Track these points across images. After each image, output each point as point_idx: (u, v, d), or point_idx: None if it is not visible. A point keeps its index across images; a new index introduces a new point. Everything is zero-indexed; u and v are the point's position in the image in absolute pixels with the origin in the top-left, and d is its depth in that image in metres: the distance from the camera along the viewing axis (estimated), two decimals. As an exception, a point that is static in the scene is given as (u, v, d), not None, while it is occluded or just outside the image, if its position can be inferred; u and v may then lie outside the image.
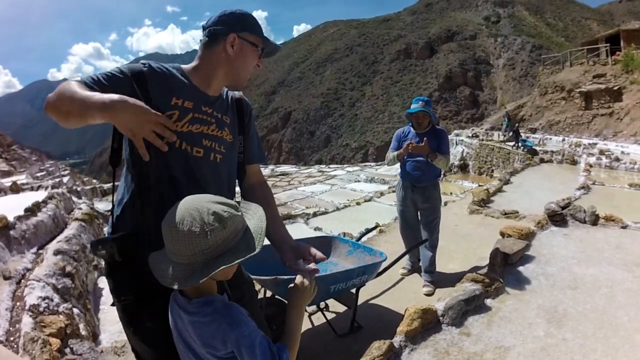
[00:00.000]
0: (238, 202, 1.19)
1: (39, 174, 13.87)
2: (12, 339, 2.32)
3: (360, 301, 2.95)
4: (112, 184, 1.41)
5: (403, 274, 3.94)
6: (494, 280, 2.71)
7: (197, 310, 1.04)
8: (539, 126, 19.18)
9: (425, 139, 3.39)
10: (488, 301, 2.58)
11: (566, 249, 3.46)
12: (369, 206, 8.18)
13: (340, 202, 8.86)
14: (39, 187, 8.27)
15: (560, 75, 20.56)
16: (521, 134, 14.65)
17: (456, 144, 19.22)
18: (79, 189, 10.82)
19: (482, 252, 4.01)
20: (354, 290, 2.78)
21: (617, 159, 10.06)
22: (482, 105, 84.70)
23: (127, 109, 1.06)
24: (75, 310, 2.96)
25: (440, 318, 2.35)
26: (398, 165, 3.74)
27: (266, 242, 1.12)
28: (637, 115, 14.71)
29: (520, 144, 13.56)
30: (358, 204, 8.37)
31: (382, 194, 9.27)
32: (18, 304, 2.71)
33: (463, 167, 17.30)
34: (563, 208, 4.14)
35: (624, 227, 3.95)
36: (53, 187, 8.33)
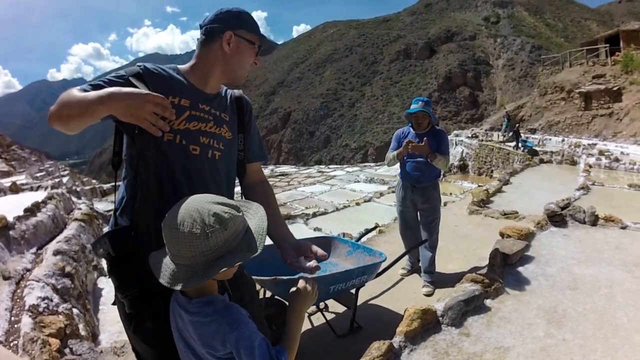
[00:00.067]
0: (239, 201, 1.19)
1: (38, 174, 13.86)
2: (11, 339, 2.32)
3: (359, 301, 2.95)
4: (113, 184, 1.41)
5: (403, 275, 3.94)
6: (494, 280, 2.71)
7: (197, 310, 1.04)
8: (539, 127, 19.18)
9: (425, 139, 3.40)
10: (488, 302, 2.58)
11: (566, 249, 3.46)
12: (369, 206, 8.18)
13: (340, 202, 8.86)
14: (38, 188, 8.26)
15: (559, 76, 20.57)
16: (521, 134, 14.66)
17: (456, 145, 19.23)
18: (78, 189, 10.81)
19: (481, 252, 4.01)
20: (353, 291, 2.78)
21: (617, 160, 10.07)
22: (481, 105, 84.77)
23: (124, 96, 1.10)
24: (75, 311, 2.96)
25: (440, 318, 2.35)
26: (398, 165, 3.74)
27: (267, 241, 1.12)
28: (636, 116, 14.72)
29: (520, 145, 13.56)
30: (358, 204, 8.37)
31: (381, 194, 9.27)
32: (17, 304, 2.71)
33: (462, 168, 17.31)
34: (562, 208, 4.14)
35: (624, 227, 3.95)
36: (52, 187, 8.33)
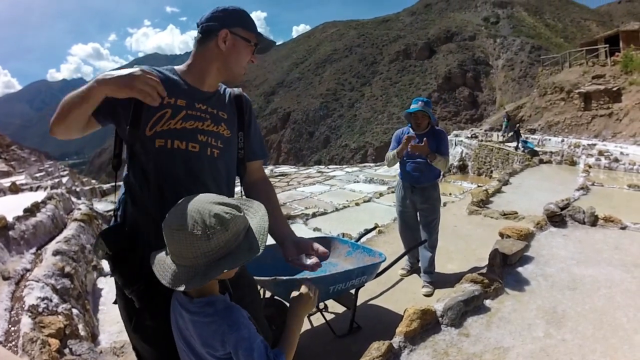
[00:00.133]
0: (239, 200, 1.19)
1: (38, 175, 13.83)
2: (11, 339, 2.31)
3: (359, 302, 2.95)
4: (113, 185, 1.43)
5: (402, 275, 3.94)
6: (493, 281, 2.71)
7: (198, 310, 1.04)
8: (538, 127, 19.19)
9: (425, 139, 3.40)
10: (487, 302, 2.58)
11: (565, 249, 3.46)
12: (368, 207, 8.18)
13: (340, 202, 8.86)
14: (38, 188, 8.26)
15: (559, 76, 20.58)
16: (522, 134, 14.65)
17: (455, 145, 19.23)
18: (78, 189, 10.79)
19: (481, 252, 4.01)
20: (353, 291, 2.78)
21: (616, 160, 10.07)
22: (481, 106, 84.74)
23: (115, 75, 1.15)
24: (75, 311, 2.96)
25: (440, 319, 2.35)
26: (397, 166, 3.74)
27: (268, 240, 1.12)
28: (636, 116, 14.72)
29: (521, 145, 13.54)
30: (357, 204, 8.37)
31: (381, 194, 9.27)
32: (17, 304, 2.71)
33: (462, 168, 17.31)
34: (562, 209, 4.14)
35: (623, 228, 3.95)
36: (52, 187, 8.32)
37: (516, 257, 3.17)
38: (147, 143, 1.24)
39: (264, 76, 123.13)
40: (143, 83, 1.14)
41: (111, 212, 1.34)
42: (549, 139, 16.53)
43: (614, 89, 16.44)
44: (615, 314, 2.42)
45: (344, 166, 21.05)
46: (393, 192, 7.05)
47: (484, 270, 2.94)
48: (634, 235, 3.76)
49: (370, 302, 3.41)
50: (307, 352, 2.66)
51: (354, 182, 13.10)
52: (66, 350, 2.35)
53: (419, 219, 3.75)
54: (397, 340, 2.15)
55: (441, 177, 9.73)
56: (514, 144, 14.11)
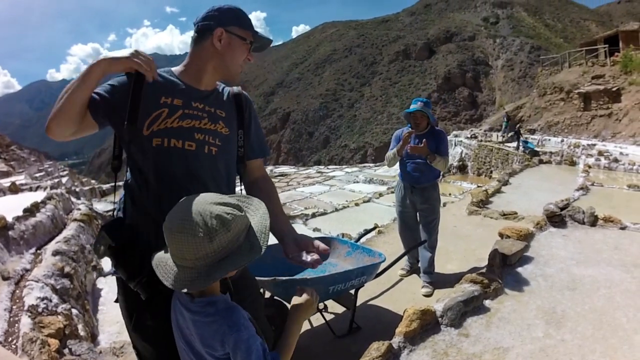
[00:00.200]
0: (238, 197, 1.19)
1: (37, 175, 13.83)
2: (10, 339, 2.31)
3: (359, 302, 2.95)
4: (112, 185, 1.43)
5: (402, 275, 3.94)
6: (493, 281, 2.71)
7: (199, 310, 1.04)
8: (538, 127, 19.20)
9: (424, 140, 3.40)
10: (487, 302, 2.58)
11: (565, 250, 3.46)
12: (368, 207, 8.19)
13: (339, 203, 8.87)
14: (37, 188, 8.26)
15: (559, 76, 20.60)
16: (522, 135, 14.65)
17: (455, 145, 19.25)
18: (77, 189, 10.80)
19: (480, 253, 4.01)
20: (352, 291, 2.78)
21: (616, 160, 10.08)
22: (480, 106, 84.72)
23: (110, 54, 1.20)
24: (74, 311, 2.96)
25: (439, 319, 2.35)
26: (397, 166, 3.75)
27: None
28: (635, 116, 14.74)
29: (521, 145, 13.54)
30: (357, 204, 8.38)
31: (380, 194, 9.28)
32: (17, 304, 2.71)
33: (462, 168, 17.32)
34: (562, 209, 4.15)
35: (623, 228, 3.96)
36: (52, 187, 8.32)
37: (516, 257, 3.17)
38: (144, 142, 1.25)
39: (264, 76, 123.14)
40: (137, 56, 1.20)
41: (110, 213, 1.34)
42: (549, 139, 16.55)
43: (614, 89, 16.46)
44: (614, 314, 2.42)
45: (344, 166, 21.07)
46: (393, 192, 7.05)
47: (484, 271, 2.94)
48: (633, 236, 3.76)
49: (370, 303, 3.41)
50: (306, 352, 2.65)
51: (354, 182, 13.12)
52: (66, 351, 2.35)
53: (418, 219, 3.75)
54: (396, 341, 2.15)
55: (441, 177, 9.74)
56: (514, 144, 14.11)
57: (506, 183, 8.00)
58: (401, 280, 3.88)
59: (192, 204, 1.01)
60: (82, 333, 2.80)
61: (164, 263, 1.04)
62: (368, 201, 8.66)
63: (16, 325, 2.44)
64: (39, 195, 5.69)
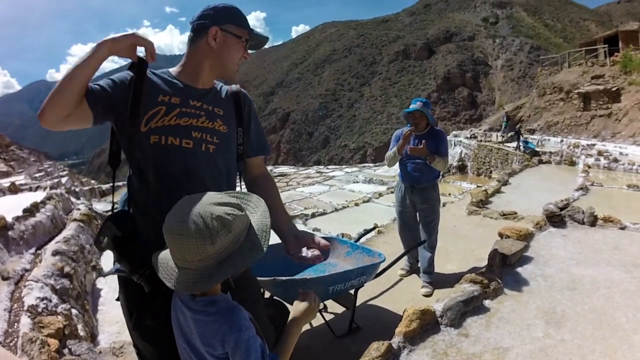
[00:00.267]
0: (237, 194, 1.18)
1: (37, 175, 13.84)
2: (10, 339, 2.31)
3: (358, 302, 2.95)
4: (111, 184, 1.43)
5: (402, 275, 3.94)
6: (493, 281, 2.71)
7: (201, 309, 1.04)
8: (538, 127, 19.22)
9: (423, 140, 3.40)
10: (486, 302, 2.58)
11: (564, 250, 3.46)
12: (368, 207, 8.19)
13: (339, 203, 8.88)
14: (37, 188, 8.26)
15: (558, 76, 20.61)
16: (522, 135, 14.65)
17: (454, 145, 19.26)
18: (77, 189, 10.82)
19: (480, 253, 4.01)
20: (352, 291, 2.78)
21: (616, 160, 10.09)
22: (480, 106, 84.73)
23: (109, 36, 1.22)
24: (74, 311, 2.96)
25: (439, 319, 2.35)
26: (397, 166, 3.75)
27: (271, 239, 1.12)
28: (635, 116, 14.75)
29: (521, 145, 13.53)
30: (356, 204, 8.38)
31: (380, 194, 9.28)
32: (16, 304, 2.71)
33: (461, 168, 17.32)
34: (561, 209, 4.14)
35: (622, 228, 3.96)
36: (51, 187, 8.33)
37: (515, 257, 3.17)
38: (142, 139, 1.25)
39: (263, 76, 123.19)
40: (138, 37, 1.23)
41: (110, 213, 1.33)
42: (548, 139, 16.55)
43: (613, 89, 16.47)
44: (614, 314, 2.42)
45: (344, 166, 21.08)
46: (392, 192, 7.05)
47: (484, 271, 2.93)
48: (633, 236, 3.76)
49: (370, 303, 3.41)
50: (306, 352, 2.65)
51: (354, 182, 13.13)
52: (65, 351, 2.35)
53: (418, 219, 3.75)
54: (396, 341, 2.15)
55: (440, 177, 9.74)
56: (513, 144, 14.10)
57: (506, 183, 8.01)
58: (401, 280, 3.89)
59: (192, 205, 0.99)
60: (81, 333, 2.80)
61: (165, 264, 1.03)
62: (368, 201, 8.66)
63: (16, 325, 2.44)
64: (39, 196, 5.69)
